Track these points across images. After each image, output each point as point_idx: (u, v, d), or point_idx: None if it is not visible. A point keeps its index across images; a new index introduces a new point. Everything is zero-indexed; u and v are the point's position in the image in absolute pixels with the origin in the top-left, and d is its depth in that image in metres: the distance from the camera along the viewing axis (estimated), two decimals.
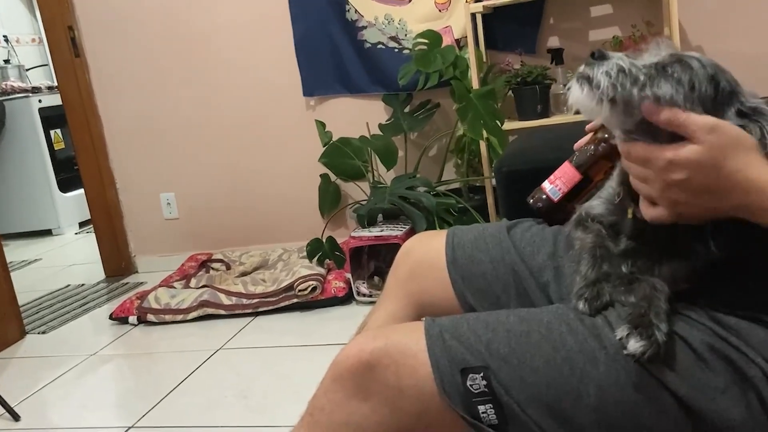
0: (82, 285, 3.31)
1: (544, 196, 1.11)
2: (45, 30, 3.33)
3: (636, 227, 0.85)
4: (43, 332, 2.70)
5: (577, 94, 0.77)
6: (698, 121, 0.72)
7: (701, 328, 0.80)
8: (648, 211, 0.77)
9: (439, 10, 2.71)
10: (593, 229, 0.91)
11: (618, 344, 0.78)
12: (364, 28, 2.83)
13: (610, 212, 0.89)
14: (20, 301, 2.75)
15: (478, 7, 2.46)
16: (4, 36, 5.11)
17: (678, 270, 0.82)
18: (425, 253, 1.14)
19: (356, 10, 2.81)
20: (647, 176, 0.75)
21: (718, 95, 0.75)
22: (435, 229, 2.46)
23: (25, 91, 4.69)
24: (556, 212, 1.07)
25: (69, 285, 3.33)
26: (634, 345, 0.75)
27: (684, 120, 0.72)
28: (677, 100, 0.73)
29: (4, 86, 4.79)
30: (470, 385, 0.80)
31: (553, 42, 2.68)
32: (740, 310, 0.80)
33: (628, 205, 0.85)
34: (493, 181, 2.08)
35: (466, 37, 2.55)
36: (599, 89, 0.75)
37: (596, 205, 0.92)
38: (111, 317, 2.69)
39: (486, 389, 0.79)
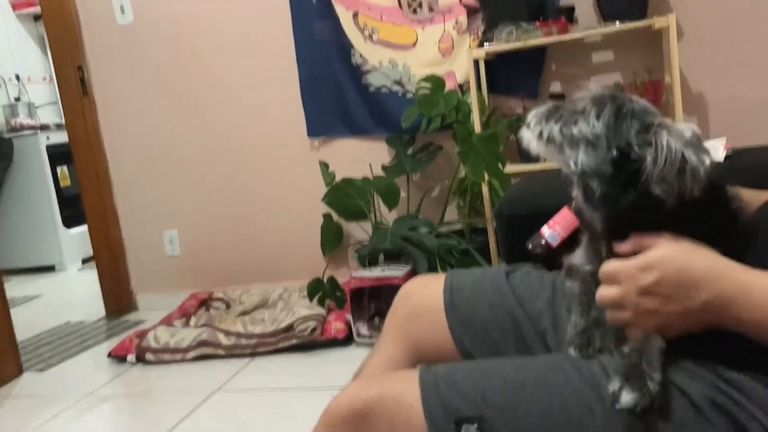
0: (82, 322, 3.29)
1: (543, 242, 1.11)
2: (55, 69, 3.38)
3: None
4: (41, 369, 2.68)
5: (523, 135, 0.87)
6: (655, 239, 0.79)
7: (702, 382, 0.78)
8: (632, 334, 0.80)
9: (443, 56, 2.75)
10: (579, 276, 0.92)
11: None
12: (369, 72, 2.86)
13: (589, 260, 0.92)
14: (19, 338, 2.74)
15: (480, 53, 2.50)
16: (16, 75, 5.19)
17: None
18: (423, 297, 1.13)
19: (361, 54, 2.86)
20: (621, 297, 0.79)
21: (619, 123, 0.80)
22: (437, 270, 2.45)
23: (34, 128, 4.74)
24: (555, 258, 1.07)
25: (69, 322, 3.32)
26: (626, 397, 0.74)
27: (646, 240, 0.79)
28: (587, 132, 0.80)
29: (13, 123, 4.85)
30: None
31: (556, 87, 2.70)
32: (743, 366, 0.79)
33: (601, 246, 0.88)
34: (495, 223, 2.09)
35: (469, 81, 2.57)
36: (529, 128, 0.85)
37: (577, 254, 0.94)
38: (110, 355, 2.67)
39: None
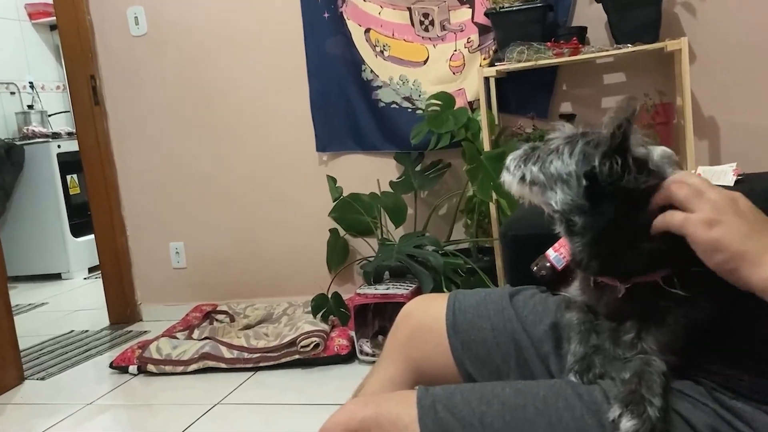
0: (86, 331, 3.29)
1: (547, 264, 1.09)
2: (68, 78, 3.40)
3: (600, 297, 0.87)
4: (42, 378, 2.67)
5: (503, 178, 0.88)
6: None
7: (705, 410, 0.77)
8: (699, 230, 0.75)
9: (453, 73, 2.75)
10: (576, 306, 0.92)
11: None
12: (379, 87, 2.87)
13: (582, 292, 0.92)
14: (22, 346, 2.74)
15: (491, 71, 2.49)
16: (30, 83, 5.24)
17: (662, 338, 0.80)
18: (426, 317, 1.12)
19: (372, 71, 2.86)
20: (689, 196, 0.76)
21: (588, 156, 0.80)
22: (442, 288, 2.43)
23: (46, 136, 4.78)
24: (560, 281, 1.05)
25: (72, 331, 3.32)
26: (626, 425, 0.73)
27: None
28: (562, 171, 0.81)
29: (25, 131, 4.89)
30: None
31: (566, 107, 2.70)
32: (745, 394, 0.77)
33: (590, 275, 0.88)
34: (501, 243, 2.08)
35: (479, 99, 2.57)
36: (509, 172, 0.86)
37: (573, 287, 0.95)
38: (111, 366, 2.66)
39: None
